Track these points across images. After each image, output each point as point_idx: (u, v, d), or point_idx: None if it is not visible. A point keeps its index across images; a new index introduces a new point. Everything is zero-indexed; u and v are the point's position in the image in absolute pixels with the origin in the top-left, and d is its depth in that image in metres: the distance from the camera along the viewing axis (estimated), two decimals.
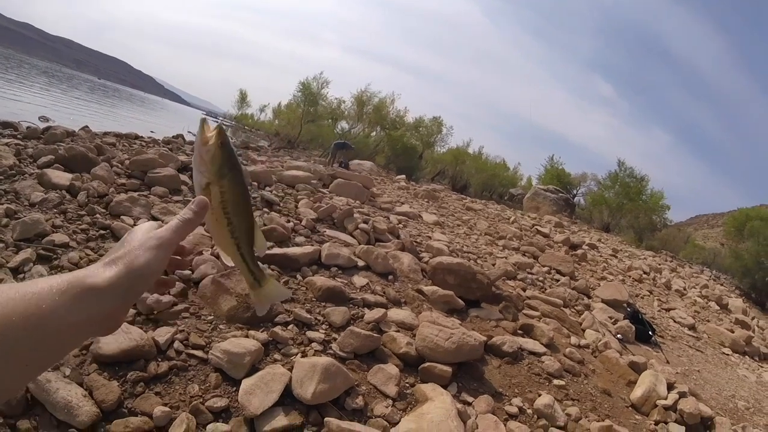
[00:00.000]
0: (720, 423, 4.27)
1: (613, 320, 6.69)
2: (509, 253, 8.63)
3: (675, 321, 8.47)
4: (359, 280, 4.46)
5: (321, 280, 4.02)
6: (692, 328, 8.35)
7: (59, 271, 3.26)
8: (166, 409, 2.35)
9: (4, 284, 0.46)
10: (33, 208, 4.07)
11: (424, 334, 3.55)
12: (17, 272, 3.09)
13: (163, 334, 2.83)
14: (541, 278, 7.53)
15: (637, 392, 4.29)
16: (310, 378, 2.66)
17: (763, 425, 4.90)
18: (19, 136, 6.90)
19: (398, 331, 3.69)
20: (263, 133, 41.31)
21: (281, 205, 6.00)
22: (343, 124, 36.29)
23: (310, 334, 3.31)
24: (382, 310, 3.85)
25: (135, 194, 4.85)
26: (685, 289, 11.66)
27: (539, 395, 3.58)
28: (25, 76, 33.04)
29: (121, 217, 4.39)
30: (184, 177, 5.99)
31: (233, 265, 0.78)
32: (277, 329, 3.18)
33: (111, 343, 2.55)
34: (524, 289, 6.57)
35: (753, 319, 10.82)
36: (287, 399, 2.62)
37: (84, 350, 2.59)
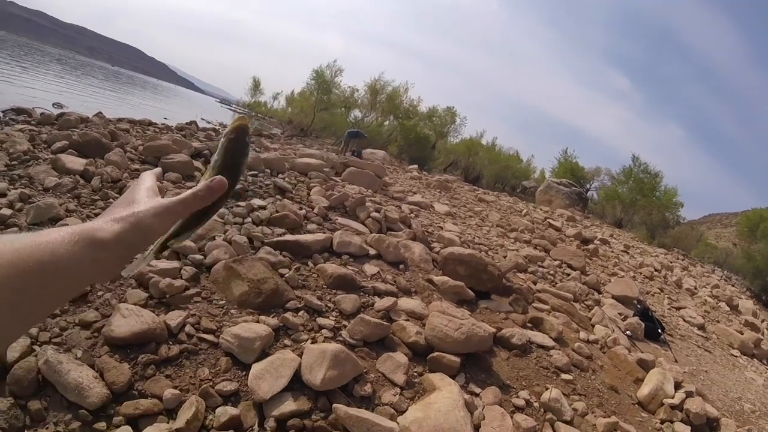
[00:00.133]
0: (726, 425, 4.24)
1: (622, 316, 6.65)
2: (520, 246, 8.60)
3: (684, 320, 8.38)
4: (370, 268, 4.47)
5: (332, 267, 4.03)
6: (701, 327, 8.27)
7: None
8: (176, 391, 2.38)
9: (18, 234, 0.49)
10: (47, 192, 4.11)
11: (433, 324, 3.55)
12: None
13: (174, 317, 2.85)
14: (551, 272, 7.49)
15: (645, 390, 4.27)
16: (319, 364, 2.68)
17: None
18: (33, 122, 6.99)
19: (408, 320, 3.70)
20: (276, 120, 41.38)
21: (294, 192, 6.01)
22: (357, 113, 36.26)
23: (321, 320, 3.33)
24: (393, 299, 3.86)
25: None
26: (695, 288, 11.53)
27: (547, 389, 3.58)
28: (39, 64, 33.25)
29: None
30: (197, 163, 6.03)
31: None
32: (288, 315, 3.20)
33: (123, 326, 2.59)
34: (535, 282, 6.55)
35: (763, 321, 10.69)
36: (296, 384, 2.64)
37: (96, 333, 2.62)
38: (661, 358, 5.47)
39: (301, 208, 5.36)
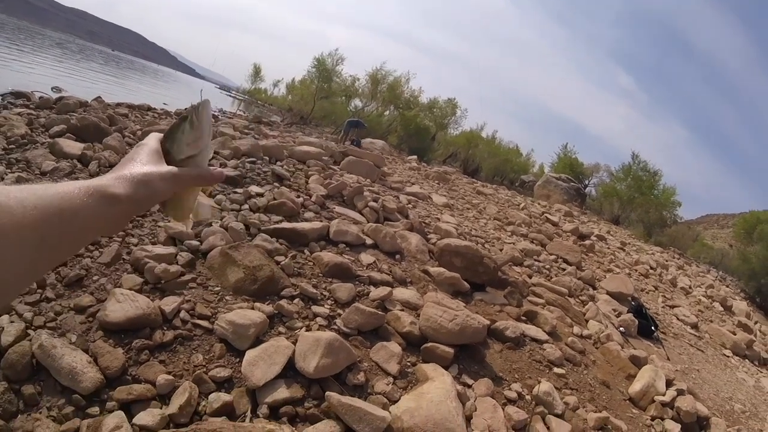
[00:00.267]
0: (715, 424, 4.27)
1: (616, 313, 6.67)
2: (517, 239, 8.61)
3: (678, 318, 8.42)
4: (366, 257, 4.47)
5: (328, 255, 4.03)
6: (695, 327, 8.31)
7: None
8: (170, 377, 2.38)
9: (37, 184, 0.53)
10: (44, 176, 4.10)
11: (428, 314, 3.56)
12: None
13: (169, 303, 2.85)
14: (547, 266, 7.51)
15: (636, 386, 4.30)
16: (313, 352, 2.69)
17: (757, 430, 4.89)
18: (31, 105, 6.95)
19: (403, 310, 3.71)
20: (276, 108, 41.21)
21: (291, 180, 6.00)
22: (357, 102, 36.14)
23: (316, 308, 3.34)
24: (388, 289, 3.86)
25: None
26: (690, 288, 11.58)
27: (539, 382, 3.59)
28: (39, 47, 32.97)
29: None
30: None
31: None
32: (283, 302, 3.21)
33: (117, 311, 2.59)
34: (530, 276, 6.57)
35: (756, 323, 10.76)
36: (290, 372, 2.65)
37: (90, 317, 2.62)
38: (654, 356, 5.51)
39: (298, 196, 5.34)
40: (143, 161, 0.64)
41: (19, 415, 2.07)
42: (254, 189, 4.98)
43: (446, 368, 3.27)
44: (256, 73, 49.49)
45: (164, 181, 0.64)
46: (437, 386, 2.90)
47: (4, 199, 0.47)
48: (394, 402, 2.78)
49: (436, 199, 9.44)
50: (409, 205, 7.51)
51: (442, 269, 4.81)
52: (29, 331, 2.41)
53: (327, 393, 2.53)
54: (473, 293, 4.88)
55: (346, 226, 4.70)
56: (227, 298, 3.17)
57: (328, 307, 3.44)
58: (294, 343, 2.79)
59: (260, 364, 2.57)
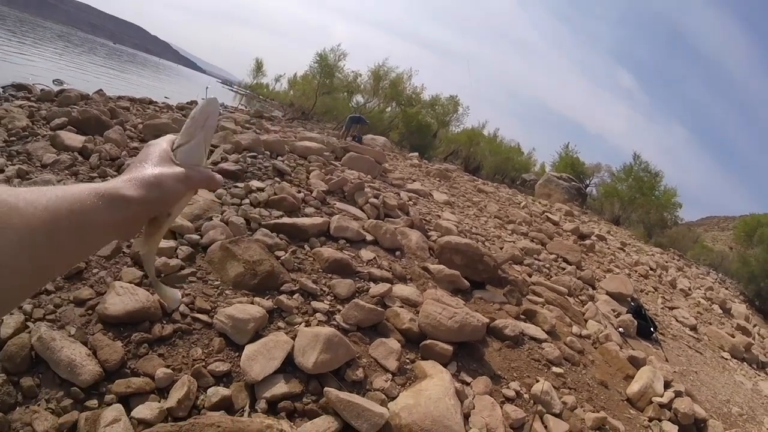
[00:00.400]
0: (713, 426, 4.28)
1: (616, 313, 6.67)
2: (517, 238, 8.61)
3: (677, 320, 8.42)
4: (366, 254, 4.47)
5: (328, 251, 4.03)
6: (694, 328, 8.31)
7: None
8: (168, 371, 2.38)
9: (47, 186, 0.52)
10: (45, 169, 4.09)
11: (427, 312, 3.56)
12: None
13: None
14: (547, 265, 7.51)
15: (634, 387, 4.30)
16: (312, 347, 2.69)
17: None
18: (32, 98, 6.93)
19: (402, 307, 3.71)
20: (277, 103, 41.16)
21: (292, 175, 5.99)
22: (359, 98, 36.09)
23: (315, 304, 3.33)
24: (388, 285, 3.86)
25: None
26: (689, 289, 11.57)
27: (537, 381, 3.60)
28: (40, 40, 32.93)
29: None
30: None
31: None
32: (283, 298, 3.20)
33: (117, 304, 2.58)
34: (530, 275, 6.57)
35: (755, 326, 10.76)
36: (288, 367, 2.65)
37: (90, 310, 2.62)
38: (652, 357, 5.51)
39: (299, 192, 5.34)
40: (154, 162, 0.63)
41: (18, 408, 2.06)
42: (255, 184, 4.97)
43: (445, 366, 3.27)
44: (258, 67, 49.46)
45: (176, 182, 0.63)
46: (436, 383, 2.90)
47: (14, 201, 0.46)
48: (393, 398, 2.78)
49: (436, 196, 9.44)
50: (410, 202, 7.51)
51: (442, 266, 4.81)
52: (28, 323, 2.41)
53: (325, 389, 2.53)
54: (473, 291, 4.88)
55: (346, 222, 4.70)
56: (227, 292, 3.16)
57: (328, 302, 3.44)
58: (293, 339, 2.79)
59: (259, 358, 2.57)
